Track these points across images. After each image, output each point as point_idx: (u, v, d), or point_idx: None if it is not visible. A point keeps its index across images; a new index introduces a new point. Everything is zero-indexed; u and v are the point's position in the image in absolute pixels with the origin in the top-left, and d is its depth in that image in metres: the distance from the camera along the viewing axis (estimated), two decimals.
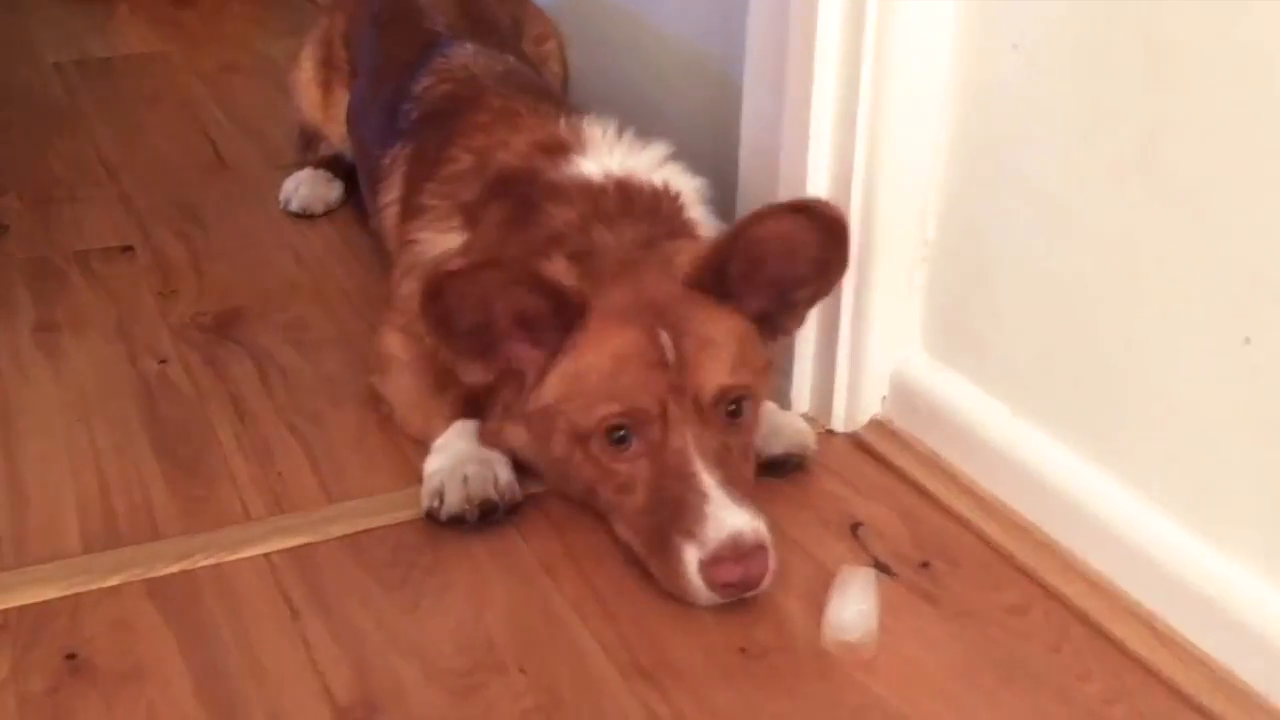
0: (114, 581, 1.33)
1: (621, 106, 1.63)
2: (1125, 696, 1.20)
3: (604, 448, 1.32)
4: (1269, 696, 1.16)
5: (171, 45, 3.15)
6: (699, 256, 1.37)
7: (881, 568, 1.35)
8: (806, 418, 1.59)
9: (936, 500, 1.45)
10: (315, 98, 2.23)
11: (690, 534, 1.25)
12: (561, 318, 1.32)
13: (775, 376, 1.50)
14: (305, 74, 2.25)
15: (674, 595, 1.29)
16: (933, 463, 1.49)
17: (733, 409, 1.34)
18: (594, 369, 1.32)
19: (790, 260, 1.37)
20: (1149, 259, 1.23)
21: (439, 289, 1.30)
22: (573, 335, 1.33)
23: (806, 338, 1.56)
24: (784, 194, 1.53)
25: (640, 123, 1.56)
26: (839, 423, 1.57)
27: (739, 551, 1.24)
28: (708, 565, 1.24)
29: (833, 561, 1.36)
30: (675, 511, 1.27)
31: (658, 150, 1.55)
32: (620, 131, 1.56)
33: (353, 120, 2.07)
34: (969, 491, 1.44)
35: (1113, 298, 1.27)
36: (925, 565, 1.36)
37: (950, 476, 1.46)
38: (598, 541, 1.39)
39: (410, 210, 1.64)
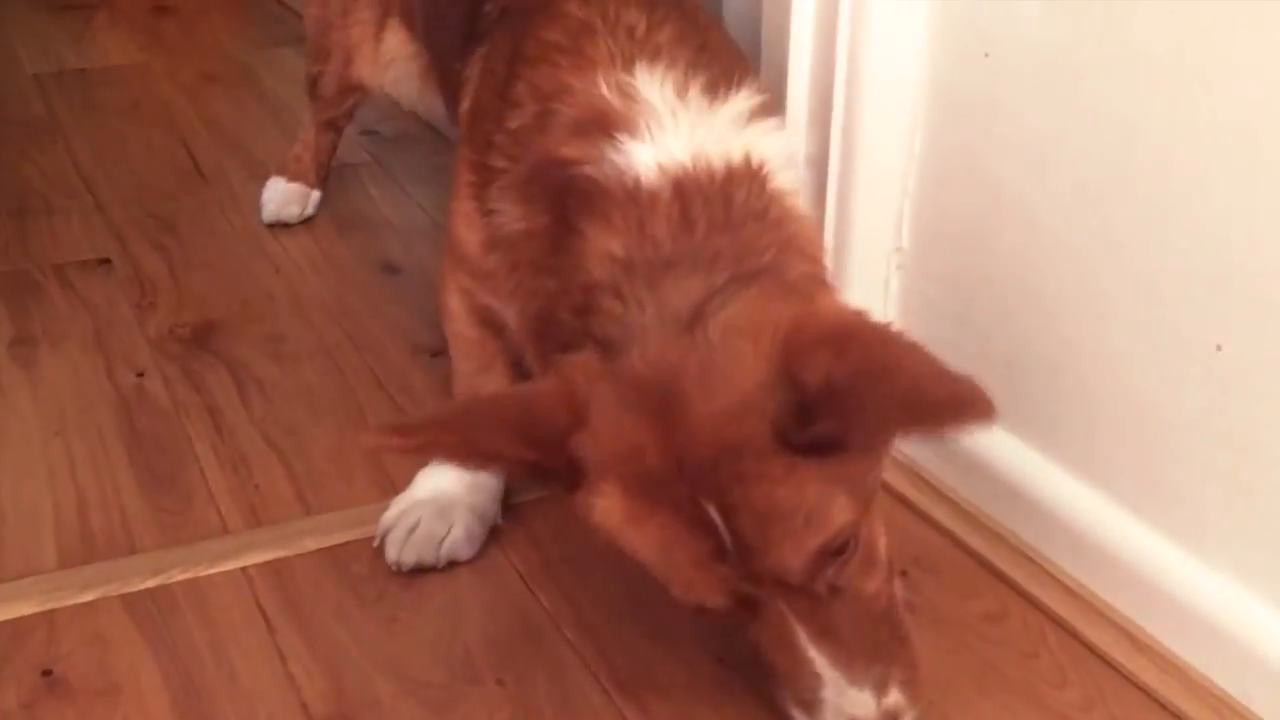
0: (90, 597, 1.33)
1: None
2: (1102, 703, 1.20)
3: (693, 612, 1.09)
4: (1245, 702, 1.16)
5: (150, 56, 3.15)
6: (796, 394, 0.97)
7: None
8: None
9: (915, 508, 1.45)
10: (370, 50, 1.99)
11: (800, 707, 1.07)
12: (561, 473, 1.06)
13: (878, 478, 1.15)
14: (355, 31, 1.98)
15: None
16: (911, 471, 1.49)
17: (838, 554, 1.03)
18: (641, 548, 1.05)
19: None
20: (1120, 266, 1.23)
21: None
22: (585, 490, 1.05)
23: None
24: None
25: None
26: None
27: None
28: None
29: None
30: (784, 677, 1.08)
31: (738, 105, 1.19)
32: (688, 81, 1.19)
33: (428, 28, 1.76)
34: (947, 499, 1.44)
35: (1084, 304, 1.28)
36: (903, 573, 1.36)
37: (927, 484, 1.46)
38: (577, 553, 1.39)
39: (478, 163, 1.31)
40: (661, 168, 1.13)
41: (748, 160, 1.15)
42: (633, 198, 1.13)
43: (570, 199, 1.16)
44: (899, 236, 1.48)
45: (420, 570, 1.36)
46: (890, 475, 1.49)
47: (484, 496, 1.41)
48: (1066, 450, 1.32)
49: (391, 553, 1.36)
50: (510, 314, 1.30)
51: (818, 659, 1.04)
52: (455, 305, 1.43)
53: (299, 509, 1.47)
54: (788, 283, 1.10)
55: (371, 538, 1.40)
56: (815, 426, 0.97)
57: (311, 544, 1.40)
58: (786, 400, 0.98)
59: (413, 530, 1.37)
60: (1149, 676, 1.21)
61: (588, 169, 1.16)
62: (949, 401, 0.97)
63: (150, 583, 1.35)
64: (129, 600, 1.33)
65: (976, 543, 1.39)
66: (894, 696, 1.05)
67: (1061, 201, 1.28)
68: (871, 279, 1.49)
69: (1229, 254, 1.13)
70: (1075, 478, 1.32)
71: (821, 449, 0.98)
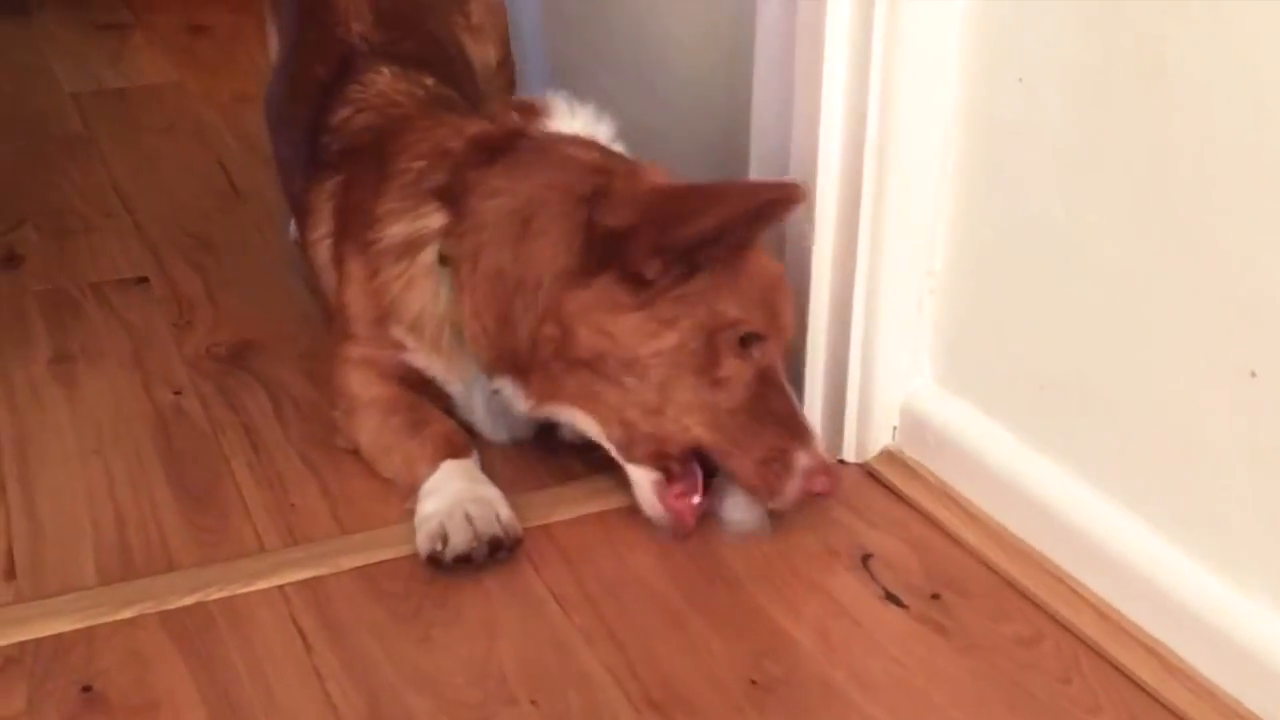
0: (129, 614, 1.34)
1: (630, 145, 1.64)
2: None
3: (730, 344, 1.38)
4: None
5: (186, 75, 3.17)
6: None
7: (892, 599, 1.36)
8: None
9: (947, 531, 1.45)
10: None
11: (799, 442, 1.39)
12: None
13: None
14: (271, 52, 2.17)
15: (751, 489, 1.40)
16: (943, 493, 1.49)
17: None
18: (759, 275, 1.41)
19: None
20: (1153, 291, 1.23)
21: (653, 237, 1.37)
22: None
23: (816, 369, 1.56)
24: (790, 235, 1.54)
25: (647, 153, 1.57)
26: (850, 453, 1.57)
27: (829, 466, 1.41)
28: (810, 472, 1.38)
29: (843, 593, 1.37)
30: (778, 421, 1.39)
31: (609, 126, 1.59)
32: (572, 104, 1.59)
33: (270, 120, 1.99)
34: (979, 522, 1.44)
35: (1117, 328, 1.28)
36: (935, 597, 1.36)
37: (960, 507, 1.47)
38: (609, 573, 1.40)
39: (353, 237, 1.59)
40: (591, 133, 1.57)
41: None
42: (588, 140, 1.54)
43: (534, 143, 1.52)
44: (932, 259, 1.48)
45: (494, 549, 1.39)
46: (921, 496, 1.50)
47: (494, 490, 1.46)
48: (1099, 473, 1.32)
49: (460, 541, 1.38)
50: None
51: (797, 404, 1.44)
52: (356, 377, 1.58)
53: (334, 528, 1.48)
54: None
55: (405, 557, 1.42)
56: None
57: (347, 563, 1.41)
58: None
59: (469, 518, 1.40)
60: (1182, 700, 1.21)
61: (537, 130, 1.54)
62: (759, 189, 1.46)
63: (188, 600, 1.36)
64: (167, 617, 1.34)
65: (1008, 565, 1.39)
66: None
67: (1095, 225, 1.28)
68: (905, 301, 1.50)
69: (1263, 279, 1.13)
70: (1108, 501, 1.32)
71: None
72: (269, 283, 2.06)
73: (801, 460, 1.38)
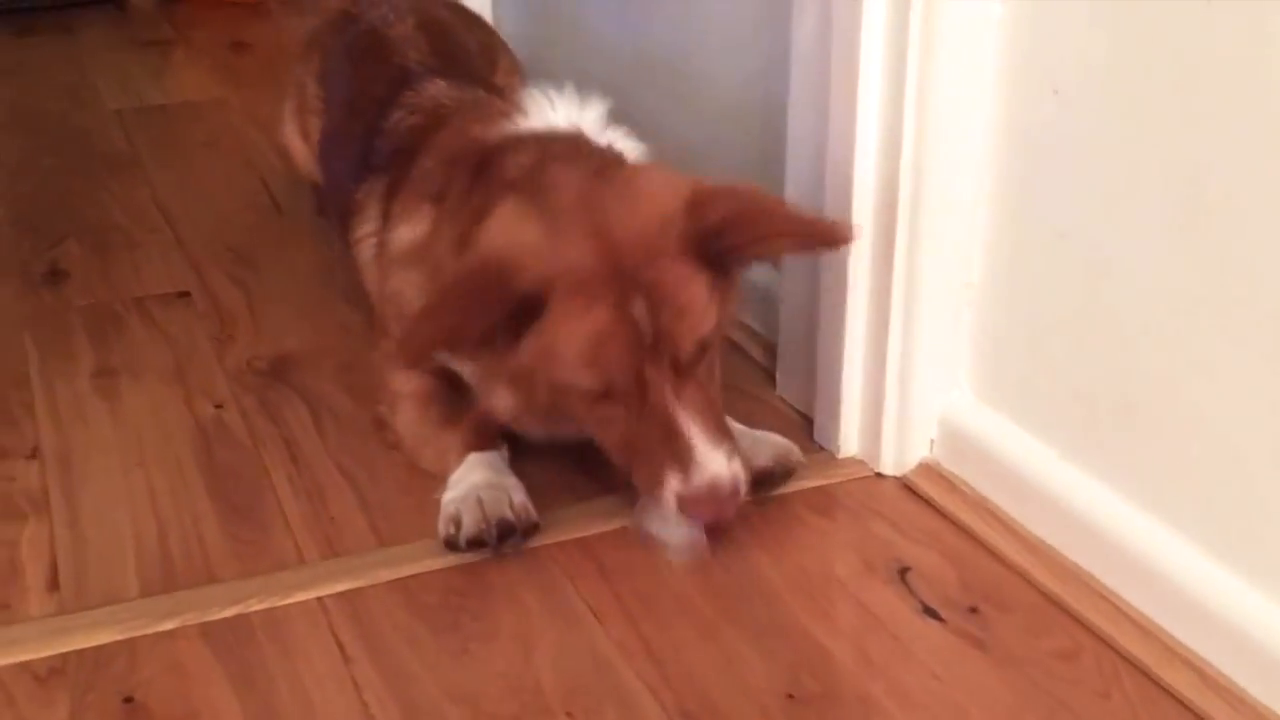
0: (170, 625, 1.35)
1: (660, 150, 1.64)
2: None
3: (584, 401, 1.37)
4: None
5: (228, 91, 3.21)
6: (697, 223, 1.34)
7: (929, 612, 1.35)
8: (855, 461, 1.59)
9: (985, 544, 1.45)
10: (301, 149, 2.26)
11: (674, 467, 1.33)
12: (526, 316, 1.33)
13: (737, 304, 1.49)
14: (288, 128, 2.28)
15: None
16: (981, 506, 1.48)
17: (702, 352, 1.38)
18: (571, 341, 1.32)
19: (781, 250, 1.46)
20: (1191, 302, 1.23)
21: (405, 355, 1.39)
22: (542, 316, 1.33)
23: (854, 382, 1.56)
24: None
25: (679, 168, 1.57)
26: (887, 466, 1.57)
27: (716, 496, 1.33)
28: (686, 501, 1.33)
29: (881, 606, 1.36)
30: (659, 446, 1.34)
31: (598, 109, 1.58)
32: (560, 92, 1.59)
33: (325, 153, 2.10)
34: (1017, 535, 1.44)
35: (1155, 341, 1.27)
36: (974, 610, 1.36)
37: (999, 520, 1.46)
38: (645, 586, 1.40)
39: (381, 235, 1.69)
40: (553, 127, 1.56)
41: (611, 149, 1.55)
42: (535, 138, 1.54)
43: (485, 153, 1.53)
44: (969, 271, 1.48)
45: (504, 533, 1.41)
46: (959, 509, 1.49)
47: (512, 479, 1.50)
48: (1140, 487, 1.31)
49: (470, 524, 1.42)
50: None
51: (689, 427, 1.33)
52: (395, 373, 1.62)
53: (373, 540, 1.49)
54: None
55: (443, 569, 1.43)
56: (715, 244, 1.34)
57: (385, 575, 1.42)
58: (692, 225, 1.33)
59: (480, 502, 1.43)
60: (1222, 715, 1.20)
61: (495, 134, 1.56)
62: (815, 223, 1.41)
63: (228, 612, 1.37)
64: (208, 629, 1.35)
65: (1048, 580, 1.38)
66: (737, 464, 1.35)
67: (1132, 238, 1.28)
68: (942, 313, 1.49)
69: None
70: (1149, 514, 1.31)
71: (715, 263, 1.35)
72: (309, 297, 2.08)
73: (672, 486, 1.33)
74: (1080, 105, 1.31)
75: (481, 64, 2.06)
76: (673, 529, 1.38)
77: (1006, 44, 1.38)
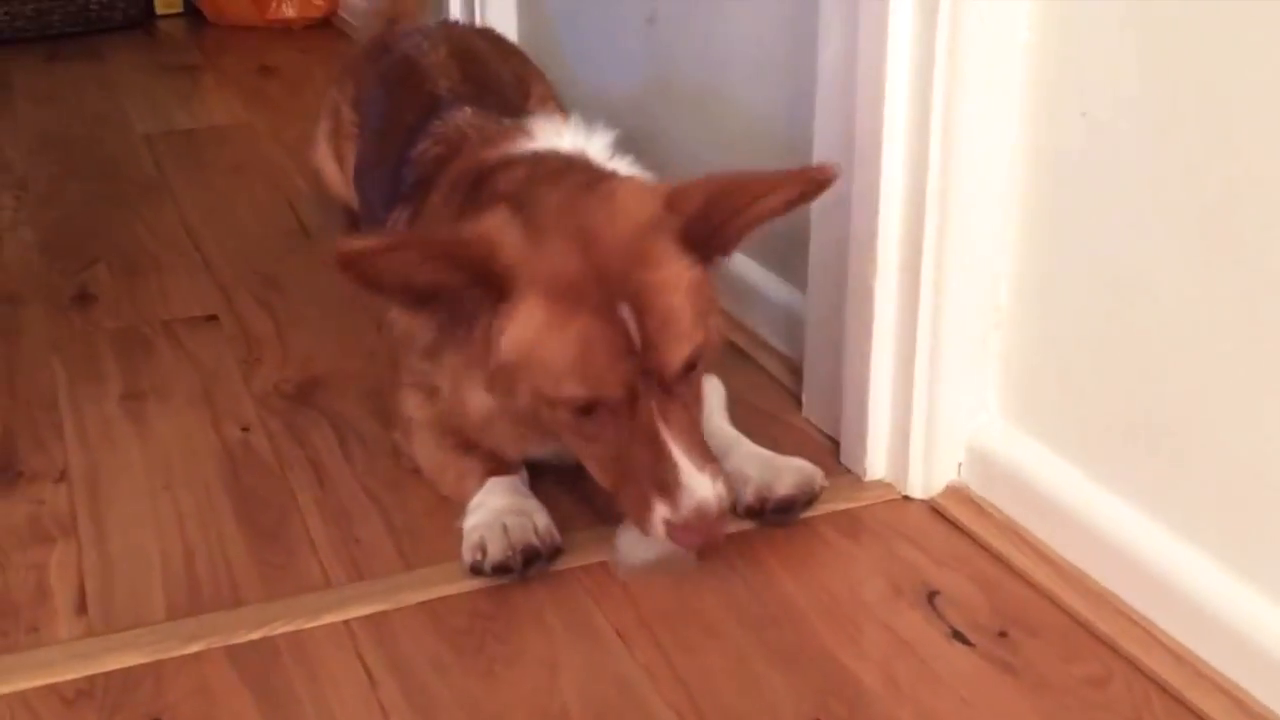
0: (196, 648, 1.36)
1: (687, 173, 1.64)
2: None
3: (570, 414, 1.35)
4: None
5: (255, 116, 3.23)
6: (680, 215, 1.34)
7: (959, 637, 1.34)
8: (882, 484, 1.59)
9: (1014, 568, 1.44)
10: (334, 172, 2.28)
11: (661, 493, 1.32)
12: (489, 288, 1.32)
13: (720, 316, 1.51)
14: (321, 151, 2.30)
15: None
16: (1010, 530, 1.47)
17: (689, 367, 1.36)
18: (557, 347, 1.31)
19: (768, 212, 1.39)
20: (1221, 325, 1.22)
21: (345, 265, 1.31)
22: (511, 302, 1.32)
23: (881, 404, 1.56)
24: (854, 264, 1.54)
25: None
26: (915, 489, 1.56)
27: (704, 521, 1.32)
28: (674, 527, 1.33)
29: (909, 631, 1.35)
30: (645, 470, 1.33)
31: (604, 137, 1.59)
32: (567, 120, 1.63)
33: (359, 179, 2.12)
34: (1047, 559, 1.42)
35: (1185, 365, 1.26)
36: (1003, 635, 1.35)
37: (1028, 544, 1.45)
38: (670, 608, 1.40)
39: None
40: (554, 149, 1.58)
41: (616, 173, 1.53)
42: (531, 158, 1.55)
43: (482, 171, 1.55)
44: (997, 294, 1.47)
45: (529, 559, 1.41)
46: (987, 533, 1.48)
47: (534, 502, 1.50)
48: (1171, 511, 1.30)
49: (496, 551, 1.41)
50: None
51: (675, 450, 1.32)
52: (411, 400, 1.61)
53: (399, 563, 1.49)
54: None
55: (469, 592, 1.42)
56: (706, 228, 1.34)
57: (411, 598, 1.42)
58: (674, 219, 1.34)
59: (505, 529, 1.43)
60: None
61: (495, 154, 1.59)
62: (794, 176, 1.37)
63: (254, 635, 1.37)
64: (234, 652, 1.35)
65: (1078, 604, 1.37)
66: (720, 485, 1.34)
67: (1163, 262, 1.27)
68: (969, 337, 1.49)
69: None
70: (1180, 538, 1.30)
71: (703, 252, 1.35)
72: (336, 321, 2.08)
73: (659, 514, 1.33)
74: (1110, 128, 1.31)
75: (514, 93, 2.06)
76: (654, 548, 1.39)
77: (1034, 68, 1.38)
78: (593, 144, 1.59)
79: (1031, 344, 1.46)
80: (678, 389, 1.34)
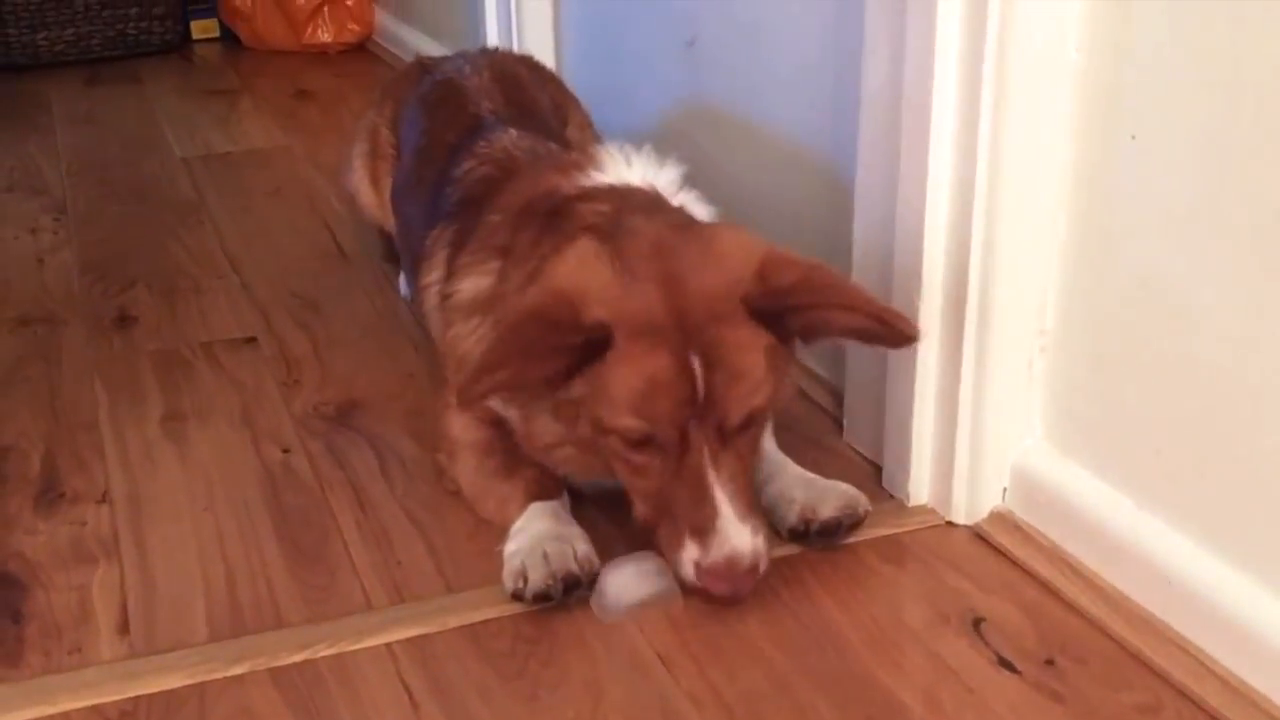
0: (239, 670, 1.35)
1: (728, 201, 1.64)
2: None
3: (624, 445, 1.36)
4: None
5: (292, 139, 3.25)
6: (765, 285, 1.34)
7: (1005, 664, 1.33)
8: (925, 509, 1.57)
9: (1061, 595, 1.42)
10: (370, 194, 2.28)
11: (695, 535, 1.34)
12: (589, 354, 1.33)
13: (793, 380, 1.50)
14: (357, 173, 2.30)
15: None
16: (1056, 556, 1.46)
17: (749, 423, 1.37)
18: (624, 382, 1.32)
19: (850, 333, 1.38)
20: (1273, 349, 1.20)
21: (467, 404, 1.40)
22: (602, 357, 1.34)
23: (924, 428, 1.55)
24: (899, 290, 1.53)
25: (750, 221, 1.57)
26: (959, 514, 1.55)
27: (733, 571, 1.34)
28: (703, 571, 1.34)
29: (955, 657, 1.34)
30: (686, 510, 1.34)
31: (674, 171, 1.60)
32: (636, 151, 1.61)
33: (397, 199, 2.12)
34: (1095, 586, 1.41)
35: (1236, 390, 1.25)
36: (1050, 662, 1.33)
37: (1075, 570, 1.43)
38: (714, 635, 1.39)
39: (450, 284, 1.69)
40: (629, 183, 1.58)
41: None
42: (612, 190, 1.55)
43: (559, 203, 1.54)
44: (1043, 318, 1.46)
45: (570, 586, 1.40)
46: (1033, 559, 1.47)
47: (575, 529, 1.48)
48: (1221, 537, 1.29)
49: (537, 579, 1.40)
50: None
51: (719, 495, 1.33)
52: (456, 422, 1.61)
53: (440, 586, 1.49)
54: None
55: (511, 615, 1.42)
56: (781, 305, 1.34)
57: (453, 621, 1.41)
58: (761, 290, 1.33)
59: (545, 556, 1.42)
60: None
61: (571, 186, 1.57)
62: (884, 309, 1.37)
63: (297, 657, 1.37)
64: (277, 674, 1.35)
65: (1126, 632, 1.35)
66: (760, 540, 1.36)
67: (1214, 285, 1.26)
68: (1015, 360, 1.48)
69: None
70: (1231, 566, 1.28)
71: (779, 331, 1.35)
72: (375, 343, 2.09)
73: (690, 554, 1.34)
74: (1160, 150, 1.30)
75: (553, 119, 2.07)
76: (645, 587, 1.39)
77: (1082, 90, 1.37)
78: (662, 178, 1.59)
79: (1078, 368, 1.45)
80: (735, 440, 1.35)
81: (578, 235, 1.42)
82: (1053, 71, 1.38)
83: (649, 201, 1.53)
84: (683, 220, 1.49)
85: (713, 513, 1.33)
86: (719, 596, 1.36)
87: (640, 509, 1.41)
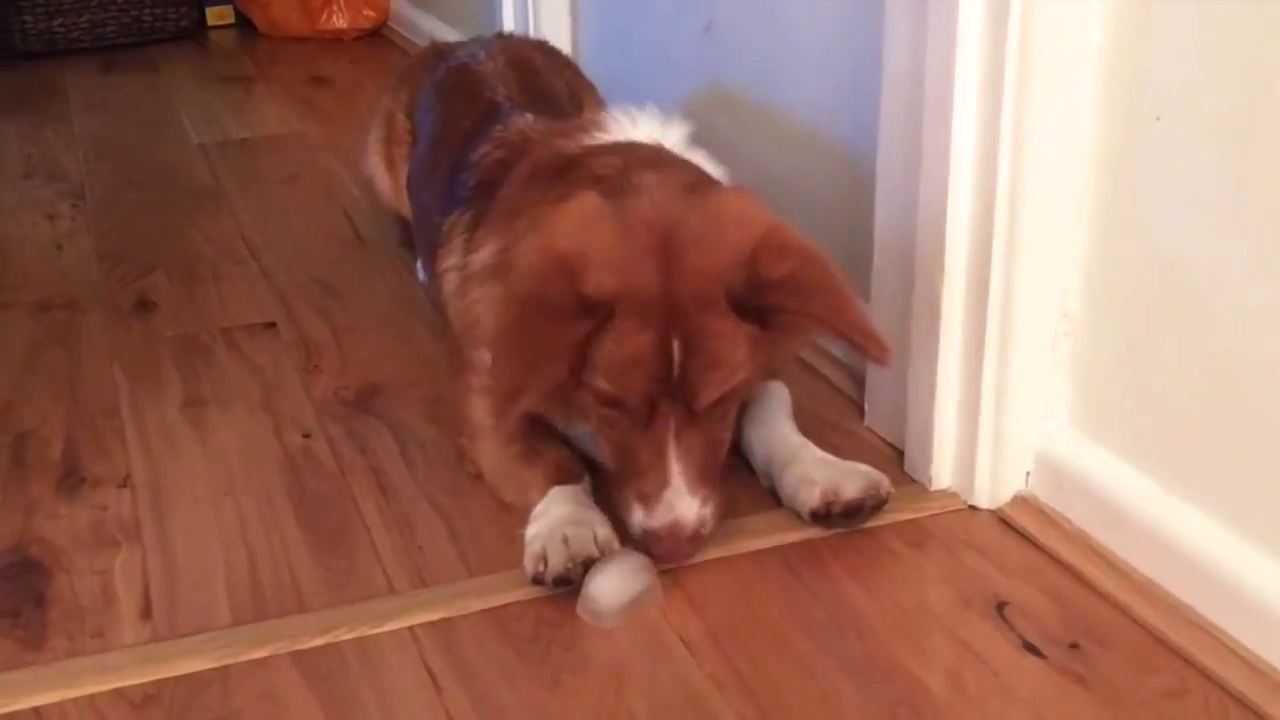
0: (262, 654, 1.35)
1: (743, 175, 1.64)
2: None
3: (598, 400, 1.39)
4: None
5: (308, 125, 3.25)
6: (752, 277, 1.34)
7: (1030, 648, 1.33)
8: (947, 493, 1.57)
9: (1085, 579, 1.42)
10: (386, 180, 2.28)
11: (643, 500, 1.39)
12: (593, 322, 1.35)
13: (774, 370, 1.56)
14: (373, 159, 2.31)
15: None
16: (1080, 540, 1.45)
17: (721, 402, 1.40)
18: (607, 353, 1.34)
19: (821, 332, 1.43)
20: None
21: (505, 418, 1.45)
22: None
23: (947, 412, 1.54)
24: (921, 271, 1.52)
25: (770, 205, 1.56)
26: (982, 498, 1.54)
27: (676, 536, 1.38)
28: (645, 534, 1.39)
29: (979, 642, 1.34)
30: (643, 473, 1.38)
31: (681, 129, 1.62)
32: (640, 110, 1.63)
33: (413, 186, 2.12)
34: (1118, 570, 1.40)
35: (1262, 373, 1.24)
36: (1075, 646, 1.33)
37: (1099, 554, 1.43)
38: (737, 619, 1.39)
39: (467, 266, 1.71)
40: (637, 139, 1.60)
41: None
42: (619, 146, 1.58)
43: (566, 161, 1.57)
44: (1067, 301, 1.46)
45: (589, 564, 1.40)
46: (1057, 544, 1.46)
47: (596, 513, 1.48)
48: (1248, 521, 1.28)
49: (557, 563, 1.40)
50: None
51: (673, 465, 1.37)
52: (478, 405, 1.61)
53: (462, 570, 1.48)
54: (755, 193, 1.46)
55: (533, 599, 1.41)
56: (763, 302, 1.34)
57: (475, 605, 1.41)
58: (747, 279, 1.33)
59: (565, 540, 1.42)
60: None
61: (576, 145, 1.61)
62: (861, 328, 1.37)
63: (320, 641, 1.37)
64: (299, 658, 1.35)
65: (1151, 616, 1.35)
66: (708, 511, 1.40)
67: (1239, 267, 1.25)
68: (1037, 344, 1.47)
69: None
70: (1257, 549, 1.27)
71: (759, 322, 1.36)
72: (394, 328, 2.09)
73: (636, 517, 1.39)
74: (1185, 131, 1.29)
75: (569, 104, 2.08)
76: (629, 588, 1.38)
77: (1106, 71, 1.36)
78: (669, 135, 1.60)
79: (1102, 351, 1.44)
80: (703, 417, 1.39)
81: (586, 186, 1.44)
82: (1076, 53, 1.37)
83: (657, 155, 1.54)
84: (692, 178, 1.49)
85: (663, 480, 1.37)
86: (659, 556, 1.40)
87: (608, 462, 1.45)
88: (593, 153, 1.56)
